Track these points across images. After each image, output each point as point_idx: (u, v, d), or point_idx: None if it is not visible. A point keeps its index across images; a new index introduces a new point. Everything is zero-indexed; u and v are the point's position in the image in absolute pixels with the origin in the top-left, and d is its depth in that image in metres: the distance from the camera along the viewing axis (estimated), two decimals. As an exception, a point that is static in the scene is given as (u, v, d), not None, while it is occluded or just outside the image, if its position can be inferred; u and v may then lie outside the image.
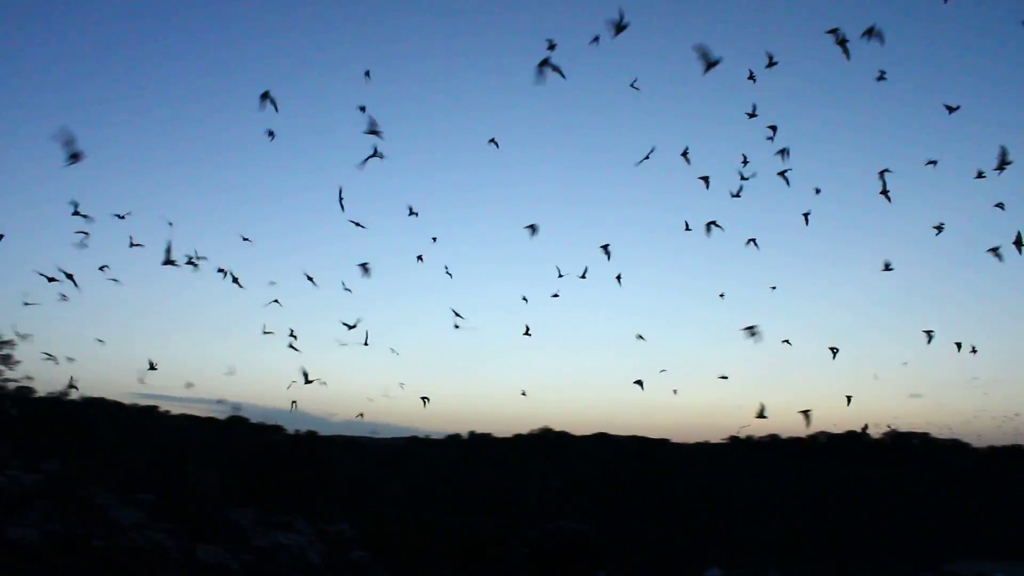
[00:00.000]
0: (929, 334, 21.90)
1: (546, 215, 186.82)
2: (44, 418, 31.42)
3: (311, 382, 20.70)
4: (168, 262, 19.14)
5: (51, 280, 18.50)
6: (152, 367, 22.89)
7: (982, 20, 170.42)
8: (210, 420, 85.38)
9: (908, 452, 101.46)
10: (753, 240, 23.77)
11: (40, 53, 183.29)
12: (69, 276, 18.53)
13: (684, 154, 22.07)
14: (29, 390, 32.02)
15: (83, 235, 19.91)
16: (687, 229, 22.87)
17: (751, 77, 19.47)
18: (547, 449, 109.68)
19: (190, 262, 20.38)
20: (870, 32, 16.02)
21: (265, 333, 23.19)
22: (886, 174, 20.02)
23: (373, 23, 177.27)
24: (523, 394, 35.37)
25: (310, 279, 23.09)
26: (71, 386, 27.89)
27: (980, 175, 20.00)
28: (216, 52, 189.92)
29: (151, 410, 75.70)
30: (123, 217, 21.79)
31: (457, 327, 23.43)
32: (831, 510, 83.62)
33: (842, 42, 16.01)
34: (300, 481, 36.87)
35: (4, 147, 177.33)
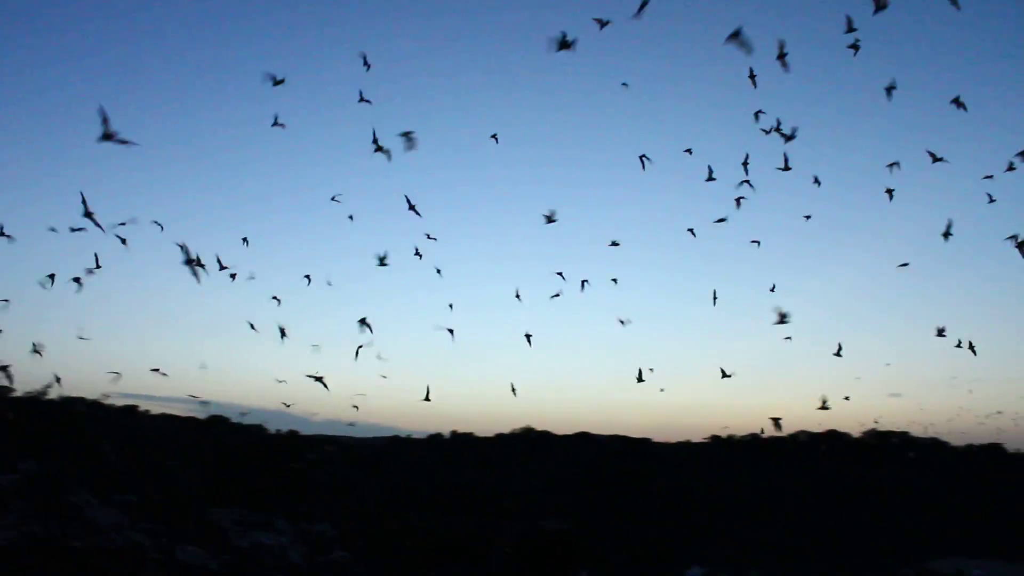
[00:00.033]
0: (942, 332, 22.03)
1: (537, 214, 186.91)
2: (21, 417, 31.08)
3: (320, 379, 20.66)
4: (189, 262, 19.10)
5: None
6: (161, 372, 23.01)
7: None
8: (190, 419, 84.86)
9: (888, 451, 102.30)
10: (756, 241, 24.02)
11: (38, 50, 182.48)
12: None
13: (687, 151, 22.33)
14: (6, 389, 31.65)
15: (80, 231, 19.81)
16: (692, 235, 23.27)
17: (751, 76, 19.57)
18: (529, 448, 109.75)
19: (198, 263, 20.15)
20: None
21: (251, 328, 23.20)
22: (895, 168, 20.19)
23: (375, 18, 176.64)
24: (513, 390, 35.31)
25: (307, 278, 23.19)
26: (51, 384, 27.63)
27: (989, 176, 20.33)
28: (214, 48, 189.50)
29: (131, 409, 75.18)
30: (125, 224, 21.54)
31: (451, 331, 23.42)
32: (812, 508, 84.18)
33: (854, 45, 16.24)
34: (281, 481, 36.68)
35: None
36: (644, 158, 22.32)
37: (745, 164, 21.68)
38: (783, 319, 19.50)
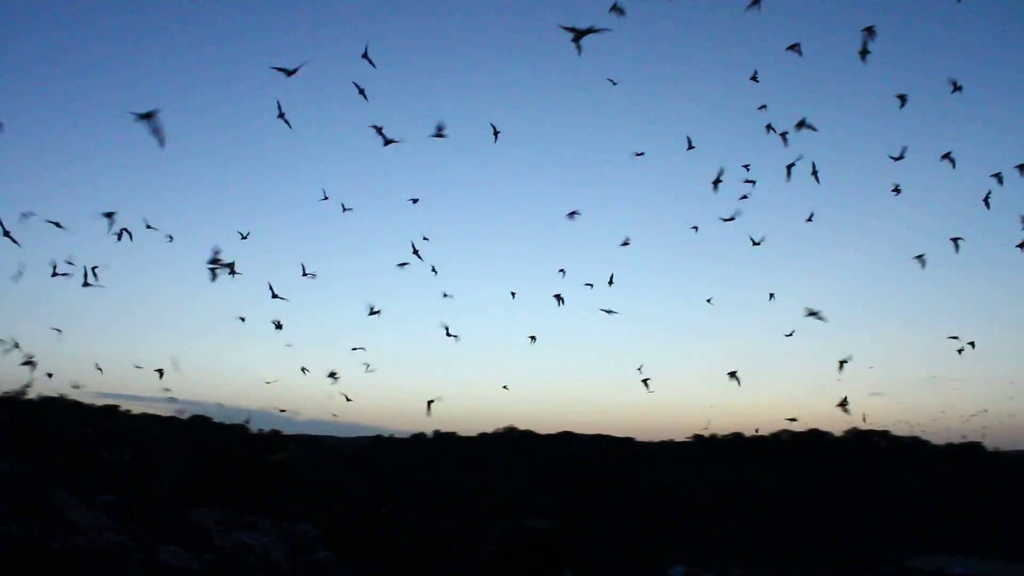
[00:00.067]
0: (956, 341, 22.16)
1: (532, 215, 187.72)
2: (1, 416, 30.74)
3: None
4: (215, 262, 19.07)
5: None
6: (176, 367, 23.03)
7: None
8: (172, 419, 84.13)
9: (869, 450, 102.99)
10: (758, 241, 24.02)
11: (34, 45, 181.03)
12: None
13: (689, 145, 22.37)
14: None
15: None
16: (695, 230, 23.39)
17: (754, 78, 19.62)
18: (512, 448, 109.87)
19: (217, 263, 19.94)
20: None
21: (241, 320, 23.23)
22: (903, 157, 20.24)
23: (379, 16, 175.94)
24: (504, 388, 35.36)
25: (309, 275, 23.10)
26: (30, 384, 27.36)
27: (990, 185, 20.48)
28: (215, 46, 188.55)
29: (112, 409, 74.54)
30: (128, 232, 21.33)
31: (456, 337, 23.24)
32: (793, 507, 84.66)
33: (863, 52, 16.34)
34: (263, 480, 36.48)
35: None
36: (638, 155, 22.33)
37: (747, 167, 21.70)
38: (814, 315, 19.45)
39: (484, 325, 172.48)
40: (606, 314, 26.56)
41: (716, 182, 21.24)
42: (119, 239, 20.20)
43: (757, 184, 22.08)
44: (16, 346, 23.42)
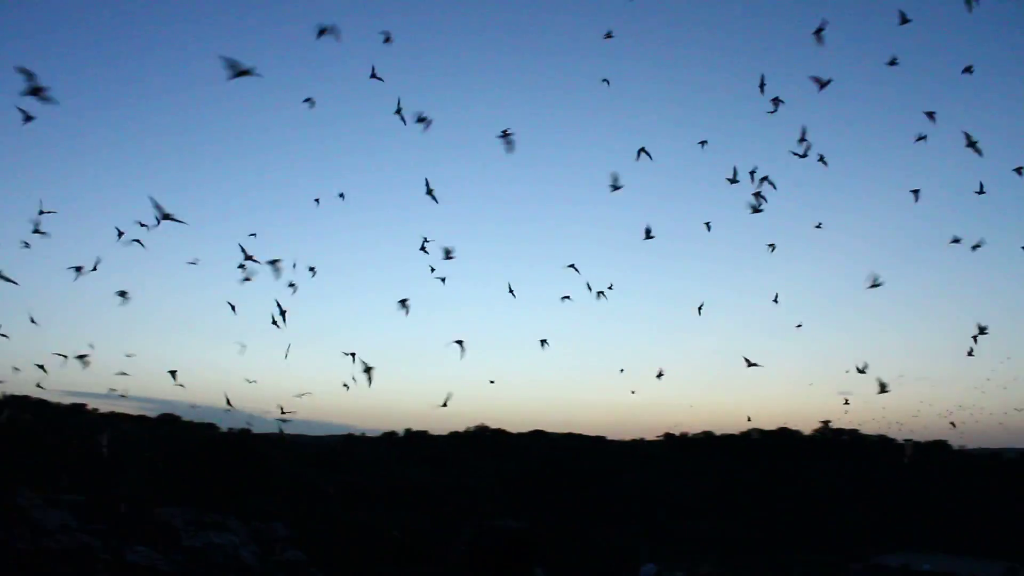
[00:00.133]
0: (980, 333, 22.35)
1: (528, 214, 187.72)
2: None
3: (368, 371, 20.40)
4: (247, 257, 18.96)
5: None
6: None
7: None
8: (141, 418, 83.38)
9: (837, 448, 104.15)
10: (772, 245, 24.21)
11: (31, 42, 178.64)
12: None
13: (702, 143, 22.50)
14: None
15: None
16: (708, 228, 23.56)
17: (762, 84, 19.70)
18: (484, 446, 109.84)
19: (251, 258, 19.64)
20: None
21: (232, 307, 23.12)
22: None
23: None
24: (491, 382, 35.29)
25: (311, 270, 22.94)
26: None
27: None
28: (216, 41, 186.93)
29: (79, 408, 73.68)
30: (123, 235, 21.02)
31: (461, 345, 23.00)
32: (764, 505, 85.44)
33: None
34: (234, 479, 36.26)
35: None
36: (643, 151, 22.25)
37: (752, 173, 21.77)
38: (876, 284, 19.75)
39: (457, 323, 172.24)
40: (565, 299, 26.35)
41: (732, 180, 21.39)
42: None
43: (741, 183, 22.18)
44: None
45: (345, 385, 23.21)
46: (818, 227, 28.34)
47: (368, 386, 20.44)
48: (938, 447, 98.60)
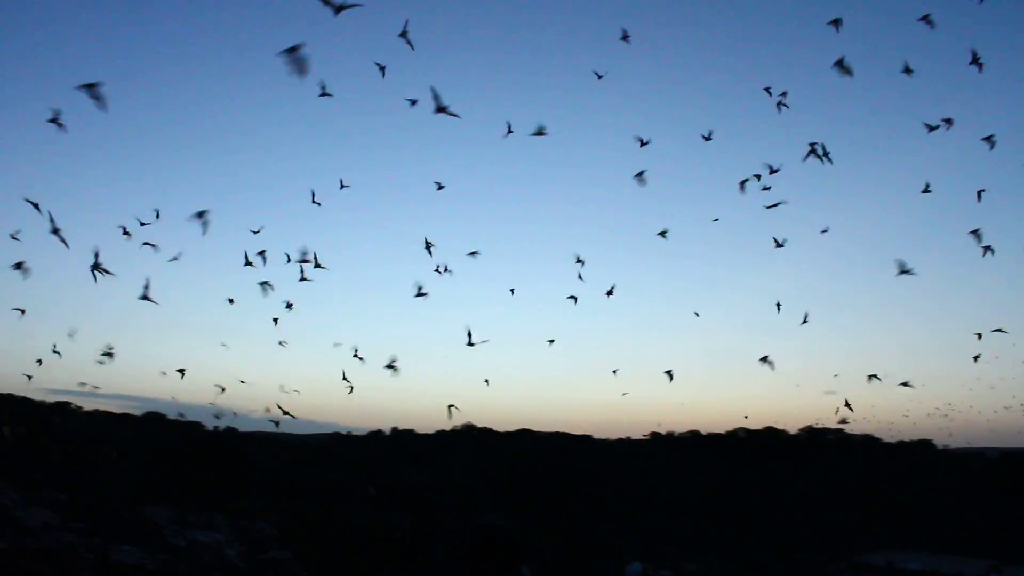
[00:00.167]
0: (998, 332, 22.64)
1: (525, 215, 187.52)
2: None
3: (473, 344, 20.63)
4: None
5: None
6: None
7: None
8: (125, 416, 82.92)
9: (823, 447, 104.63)
10: (781, 244, 24.26)
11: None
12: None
13: (707, 137, 22.56)
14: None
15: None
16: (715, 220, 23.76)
17: (767, 89, 19.79)
18: (470, 445, 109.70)
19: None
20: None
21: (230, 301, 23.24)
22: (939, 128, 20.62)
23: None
24: (486, 382, 35.25)
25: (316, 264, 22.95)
26: None
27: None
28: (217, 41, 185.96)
29: (63, 406, 73.07)
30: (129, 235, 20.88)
31: (472, 344, 23.04)
32: (748, 504, 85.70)
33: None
34: (219, 478, 36.12)
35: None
36: (642, 142, 22.28)
37: (758, 176, 21.86)
38: (905, 271, 19.91)
39: (453, 321, 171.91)
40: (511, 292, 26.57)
41: (744, 182, 21.51)
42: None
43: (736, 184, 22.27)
44: None
45: (350, 388, 23.27)
46: (824, 232, 28.52)
47: (395, 375, 20.85)
48: (922, 446, 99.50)
